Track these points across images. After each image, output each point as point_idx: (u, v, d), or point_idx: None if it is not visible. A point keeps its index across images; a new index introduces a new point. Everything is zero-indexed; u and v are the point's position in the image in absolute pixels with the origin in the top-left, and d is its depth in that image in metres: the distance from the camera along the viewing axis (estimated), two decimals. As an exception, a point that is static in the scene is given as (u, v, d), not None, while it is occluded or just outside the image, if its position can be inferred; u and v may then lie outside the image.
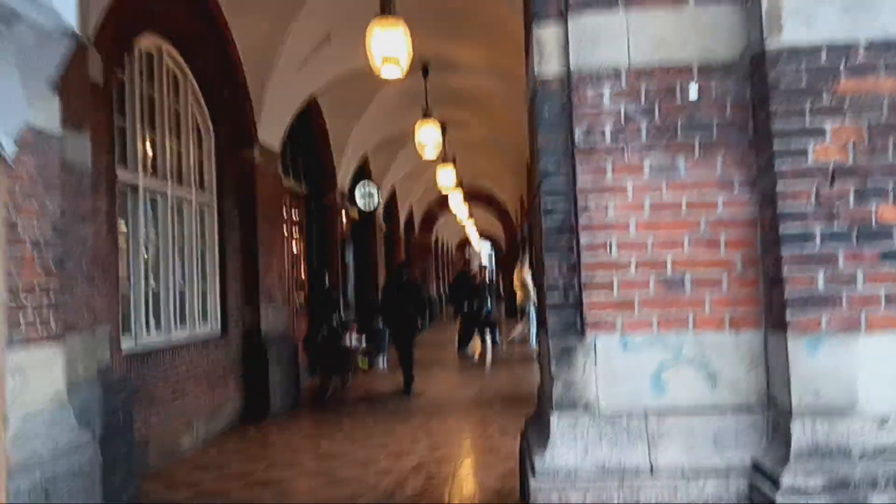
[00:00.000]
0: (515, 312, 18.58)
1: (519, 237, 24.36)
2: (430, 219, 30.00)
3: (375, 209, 15.20)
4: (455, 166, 16.11)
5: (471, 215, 29.86)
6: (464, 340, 15.40)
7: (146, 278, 6.92)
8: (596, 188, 3.56)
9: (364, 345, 10.48)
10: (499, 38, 8.68)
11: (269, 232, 9.30)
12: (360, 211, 16.26)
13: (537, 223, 3.97)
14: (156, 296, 7.09)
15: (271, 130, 9.36)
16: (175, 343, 7.18)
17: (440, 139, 11.74)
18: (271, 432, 7.98)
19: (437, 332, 20.07)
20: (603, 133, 3.55)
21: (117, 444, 5.14)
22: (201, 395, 7.55)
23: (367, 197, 14.82)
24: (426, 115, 11.65)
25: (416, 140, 11.88)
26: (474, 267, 25.44)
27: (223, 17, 8.09)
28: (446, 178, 16.05)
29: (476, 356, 14.77)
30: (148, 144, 7.01)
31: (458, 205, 21.62)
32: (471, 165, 20.02)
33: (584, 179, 3.57)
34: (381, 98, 12.58)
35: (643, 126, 3.53)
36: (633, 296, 3.51)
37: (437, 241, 34.67)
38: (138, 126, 6.75)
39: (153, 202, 7.10)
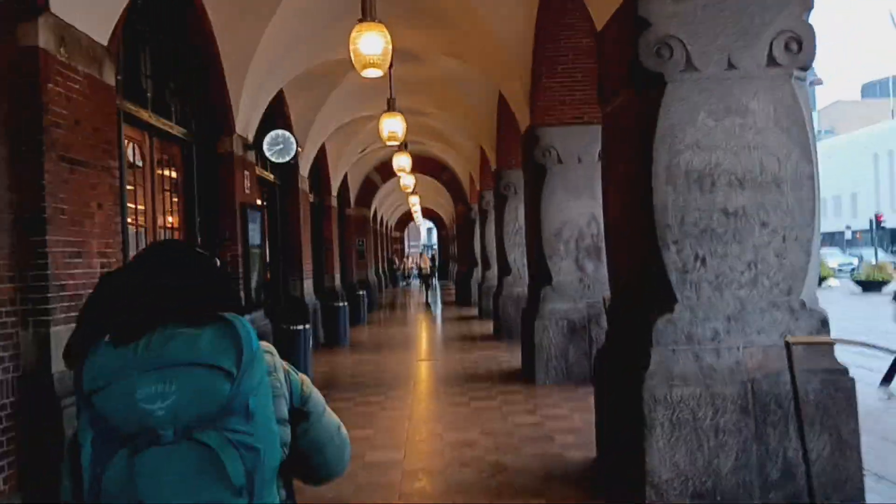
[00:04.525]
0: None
1: (475, 211, 20.38)
2: (368, 189, 25.77)
3: (291, 161, 10.93)
4: (404, 119, 11.88)
5: (414, 191, 25.57)
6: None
7: None
8: None
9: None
10: None
11: (77, 182, 5.06)
12: (273, 168, 12.02)
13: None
14: None
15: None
16: None
17: (387, 47, 7.61)
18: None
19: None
20: None
21: None
22: None
23: (281, 148, 10.55)
24: (366, 14, 7.54)
25: (352, 50, 7.73)
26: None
27: None
28: (393, 130, 11.83)
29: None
30: None
31: (403, 167, 17.39)
32: (420, 120, 15.90)
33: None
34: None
35: None
36: None
37: (375, 216, 30.43)
38: None
39: None
